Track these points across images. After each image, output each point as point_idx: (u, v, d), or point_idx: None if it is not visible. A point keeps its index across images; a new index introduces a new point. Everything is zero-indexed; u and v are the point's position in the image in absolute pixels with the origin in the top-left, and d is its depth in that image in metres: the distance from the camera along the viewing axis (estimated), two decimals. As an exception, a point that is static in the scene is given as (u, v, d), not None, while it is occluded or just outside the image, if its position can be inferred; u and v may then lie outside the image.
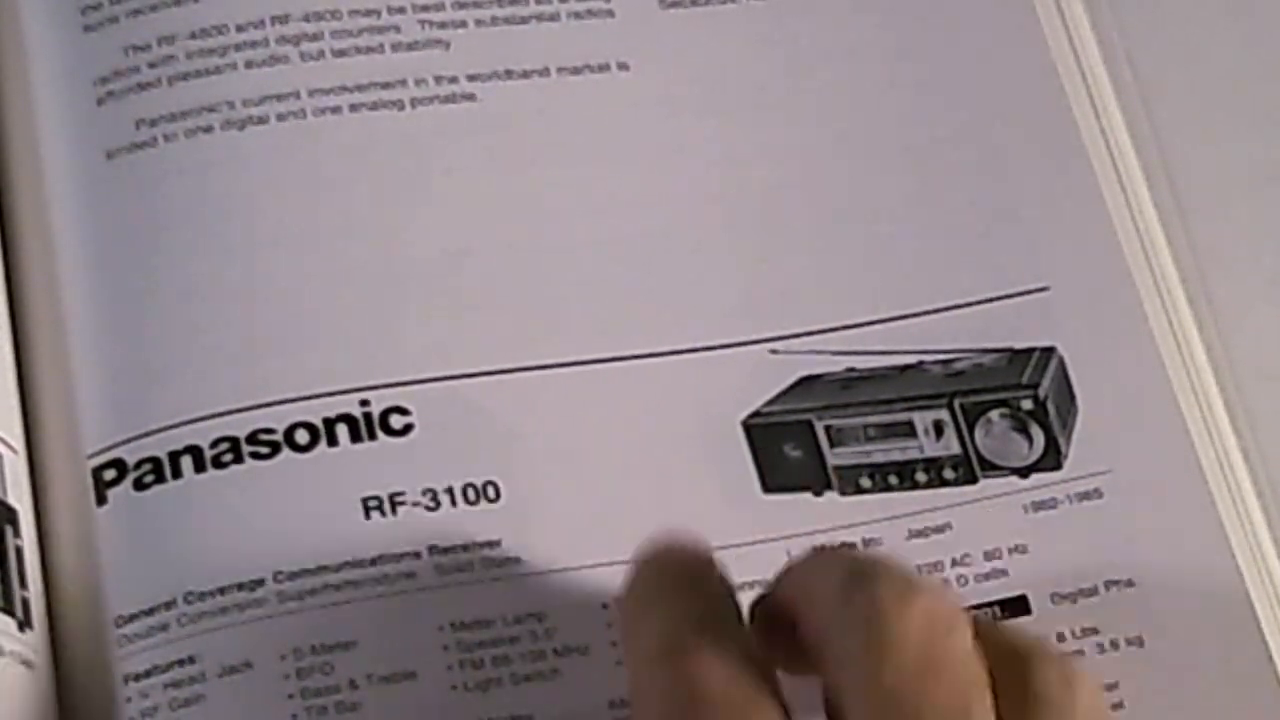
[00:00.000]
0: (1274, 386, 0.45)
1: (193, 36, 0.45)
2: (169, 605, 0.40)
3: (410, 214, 0.44)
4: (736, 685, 0.35)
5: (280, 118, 0.44)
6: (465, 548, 0.41)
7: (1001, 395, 0.43)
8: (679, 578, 0.37)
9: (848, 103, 0.47)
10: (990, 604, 0.42)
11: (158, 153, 0.44)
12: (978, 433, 0.43)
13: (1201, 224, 0.46)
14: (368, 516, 0.41)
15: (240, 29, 0.45)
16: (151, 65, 0.44)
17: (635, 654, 0.37)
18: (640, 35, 0.47)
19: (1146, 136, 0.47)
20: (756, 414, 0.43)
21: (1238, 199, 0.47)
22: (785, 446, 0.43)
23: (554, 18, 0.46)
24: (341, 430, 0.41)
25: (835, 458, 0.43)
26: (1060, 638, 0.41)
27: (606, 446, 0.42)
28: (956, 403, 0.43)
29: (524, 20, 0.46)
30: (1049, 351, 0.44)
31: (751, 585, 0.40)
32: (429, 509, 0.41)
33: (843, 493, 0.43)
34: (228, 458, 0.41)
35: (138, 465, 0.41)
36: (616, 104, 0.46)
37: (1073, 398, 0.44)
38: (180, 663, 0.39)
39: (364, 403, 0.42)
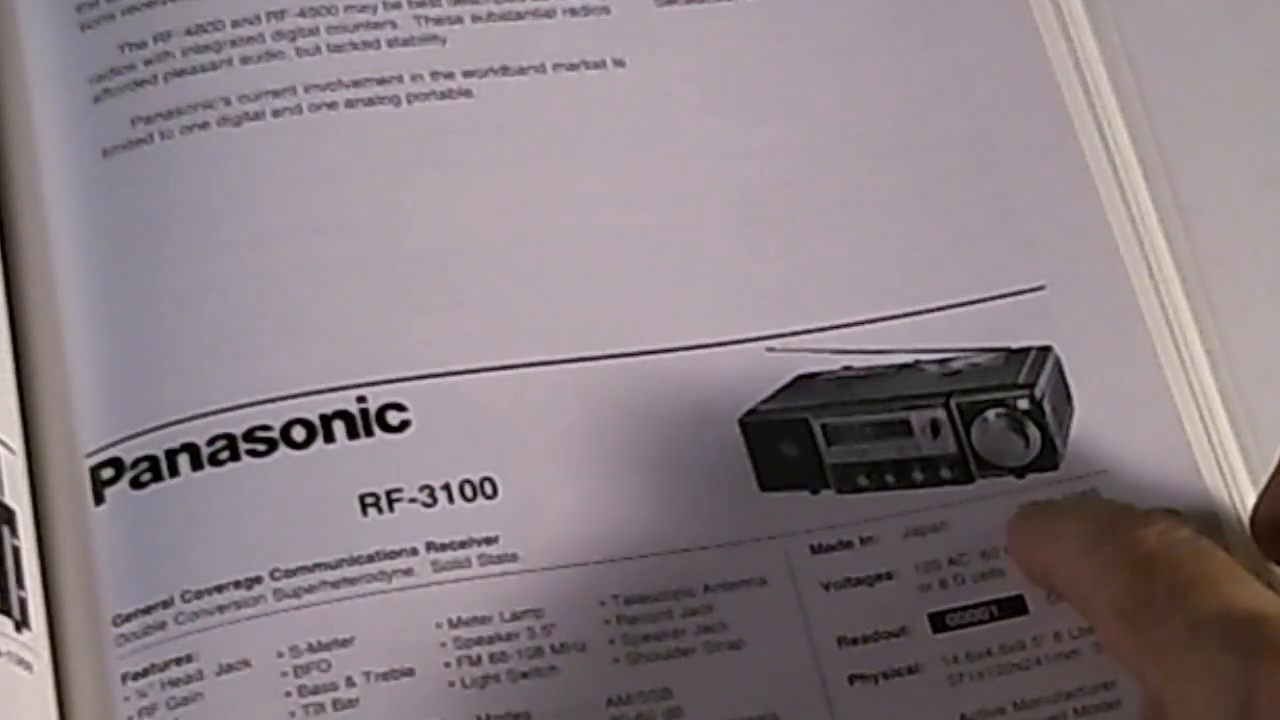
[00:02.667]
0: (1274, 388, 0.45)
1: (188, 33, 0.46)
2: (166, 604, 0.41)
3: (407, 210, 0.45)
4: (1176, 537, 0.37)
5: (276, 114, 0.45)
6: (462, 544, 0.42)
7: (998, 395, 0.43)
8: (1074, 500, 0.42)
9: (844, 101, 0.47)
10: (986, 604, 0.42)
11: (154, 150, 0.45)
12: (974, 432, 0.43)
13: (1201, 224, 0.47)
14: (365, 513, 0.42)
15: (236, 25, 0.46)
16: (147, 62, 0.45)
17: (1061, 558, 0.40)
18: (636, 32, 0.48)
19: (1146, 137, 0.48)
20: (753, 412, 0.44)
21: (1238, 200, 0.47)
22: (782, 445, 0.44)
23: (550, 14, 0.47)
24: (338, 427, 0.42)
25: (832, 456, 0.44)
26: (1057, 638, 0.42)
27: (603, 443, 0.43)
28: (953, 402, 0.43)
29: (520, 17, 0.47)
30: (1045, 351, 0.45)
31: (748, 584, 0.42)
32: (426, 505, 0.42)
33: (839, 491, 0.43)
34: (224, 455, 0.42)
35: (135, 464, 0.42)
36: (613, 101, 0.47)
37: (1069, 397, 0.44)
38: (178, 661, 0.40)
39: (361, 399, 0.43)
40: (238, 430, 0.42)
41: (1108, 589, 0.38)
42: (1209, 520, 0.43)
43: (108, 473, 0.42)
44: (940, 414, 0.44)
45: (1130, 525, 0.39)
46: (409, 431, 0.43)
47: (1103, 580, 0.38)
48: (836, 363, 0.45)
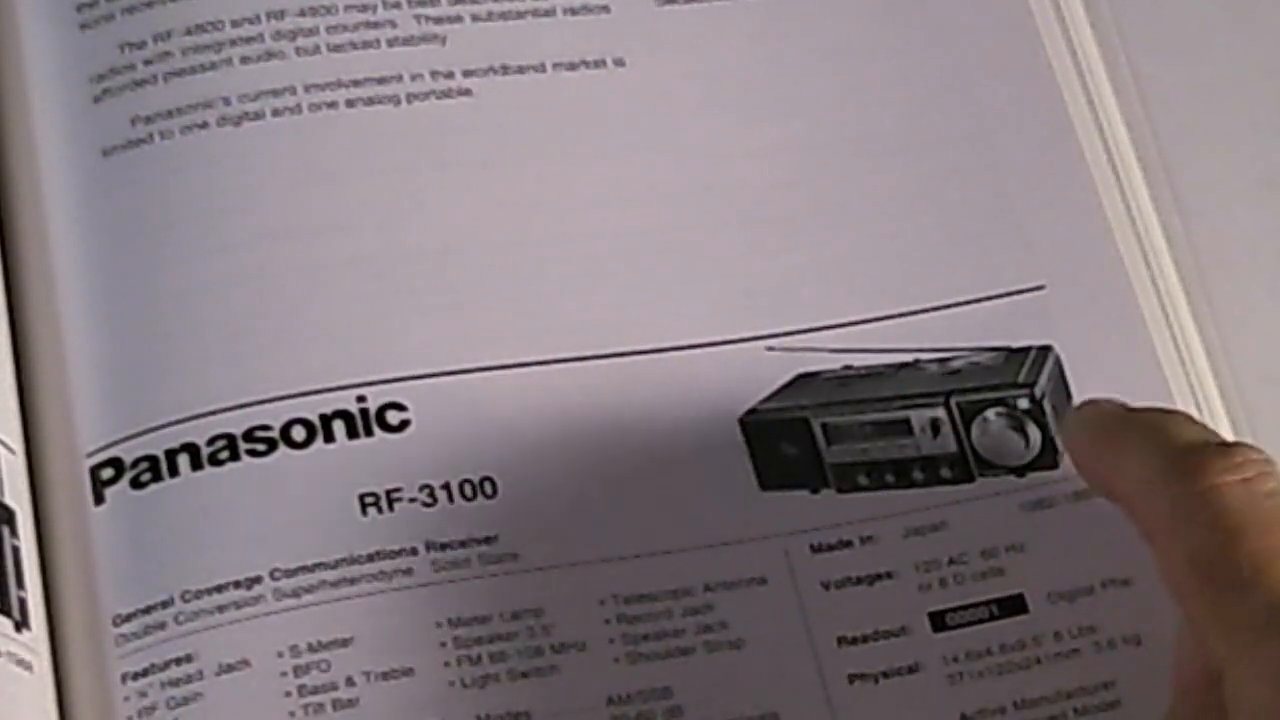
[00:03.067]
0: (1274, 388, 0.45)
1: (188, 33, 0.46)
2: (166, 604, 0.41)
3: (406, 210, 0.45)
4: (1268, 490, 0.36)
5: (276, 113, 0.45)
6: (462, 544, 0.42)
7: (998, 394, 0.44)
8: (1149, 412, 0.39)
9: (844, 100, 0.48)
10: (986, 602, 0.42)
11: (154, 150, 0.45)
12: (974, 431, 0.44)
13: (1201, 224, 0.47)
14: (364, 513, 0.42)
15: (236, 25, 0.46)
16: (147, 62, 0.46)
17: (1132, 479, 0.38)
18: (636, 31, 0.48)
19: (1146, 137, 0.48)
20: (753, 411, 0.44)
21: (1238, 200, 0.48)
22: (782, 444, 0.44)
23: (550, 13, 0.48)
24: (338, 427, 0.43)
25: (832, 455, 0.44)
26: (1057, 636, 0.42)
27: (603, 442, 0.43)
28: (953, 401, 0.44)
29: (520, 16, 0.47)
30: (1045, 350, 0.45)
31: (748, 583, 0.42)
32: (426, 505, 0.42)
33: (839, 490, 0.44)
34: (224, 455, 0.42)
35: (135, 464, 0.42)
36: (613, 100, 0.47)
37: (1069, 396, 0.45)
38: (177, 661, 0.41)
39: (361, 399, 0.43)
40: (237, 430, 0.42)
41: (1183, 536, 0.36)
42: None
43: (108, 473, 0.42)
44: (940, 413, 0.44)
45: (1214, 460, 0.37)
46: (409, 431, 0.43)
47: (1178, 523, 0.36)
48: (837, 362, 0.45)
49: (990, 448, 0.44)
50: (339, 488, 0.42)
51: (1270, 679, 0.34)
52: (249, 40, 0.46)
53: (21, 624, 0.40)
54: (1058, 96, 0.48)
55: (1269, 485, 0.36)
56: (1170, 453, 0.37)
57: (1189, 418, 0.39)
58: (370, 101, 0.46)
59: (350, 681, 0.40)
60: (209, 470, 0.42)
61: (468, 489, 0.42)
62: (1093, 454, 0.40)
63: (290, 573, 0.41)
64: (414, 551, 0.42)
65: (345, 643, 0.41)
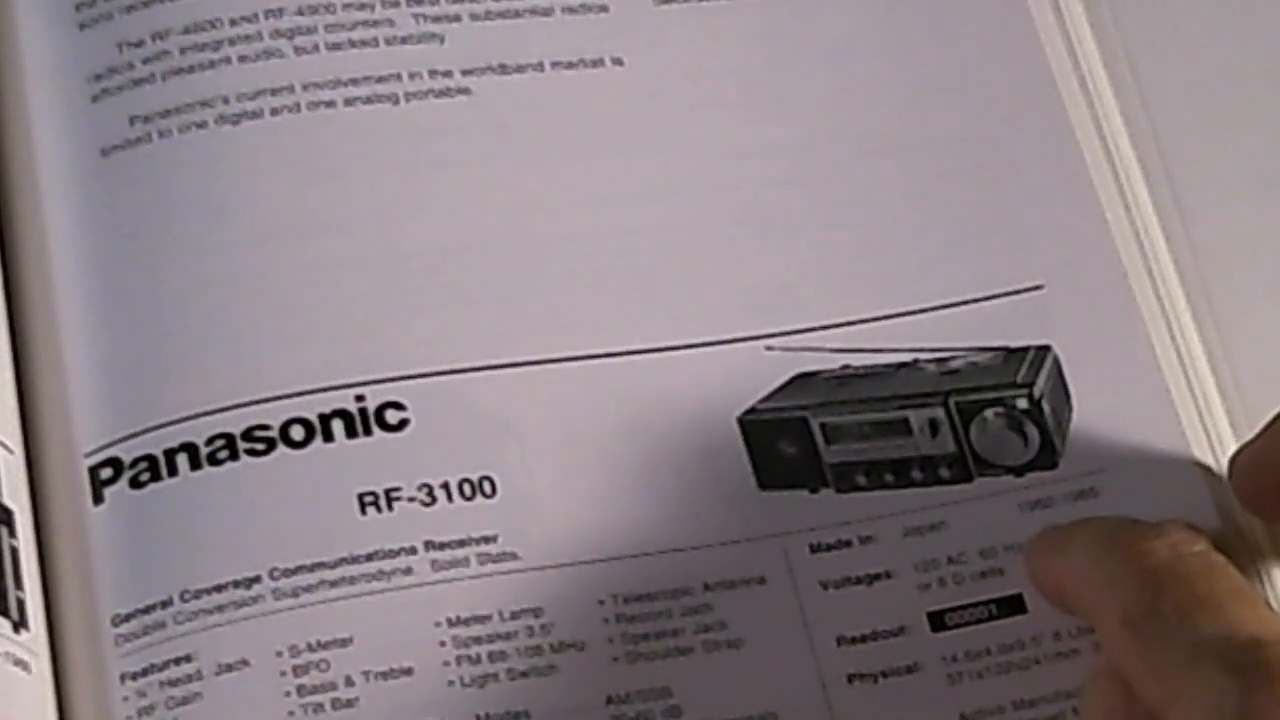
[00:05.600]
0: (1274, 388, 0.45)
1: (186, 32, 0.46)
2: (165, 604, 0.41)
3: (405, 209, 0.45)
4: (1186, 551, 0.38)
5: (274, 112, 0.46)
6: (461, 543, 0.42)
7: (997, 394, 0.44)
8: (1085, 518, 0.42)
9: (842, 100, 0.48)
10: (986, 602, 0.43)
11: (153, 149, 0.45)
12: (973, 431, 0.44)
13: (1201, 224, 0.47)
14: (363, 512, 0.42)
15: (234, 24, 0.46)
16: (145, 61, 0.46)
17: (1073, 569, 0.40)
18: (635, 30, 0.48)
19: (1146, 137, 0.48)
20: (752, 410, 0.44)
21: (1238, 200, 0.48)
22: (781, 443, 0.44)
23: (548, 12, 0.48)
24: (337, 426, 0.43)
25: (830, 455, 0.44)
26: (1056, 637, 0.42)
27: (602, 442, 0.44)
28: (952, 401, 0.44)
29: (518, 15, 0.48)
30: (1044, 350, 0.45)
31: (747, 583, 0.43)
32: (425, 504, 0.42)
33: (838, 490, 0.44)
34: (223, 455, 0.42)
35: (134, 464, 0.43)
36: (611, 99, 0.47)
37: (1068, 396, 0.45)
38: (177, 661, 0.41)
39: (359, 398, 0.43)
40: (236, 430, 0.43)
41: (1116, 598, 0.38)
42: (1221, 531, 0.43)
43: (106, 472, 0.43)
44: (939, 413, 0.44)
45: (1142, 535, 0.39)
46: (408, 430, 0.43)
47: (1112, 589, 0.38)
48: (835, 361, 0.45)
49: (989, 448, 0.44)
50: (338, 487, 0.43)
51: (1200, 706, 0.36)
52: (247, 39, 0.46)
53: (20, 624, 0.41)
54: (1057, 96, 0.48)
55: (1195, 546, 0.39)
56: (1103, 534, 0.40)
57: (1131, 519, 0.41)
58: (369, 100, 0.46)
59: (349, 681, 0.41)
60: (208, 470, 0.42)
61: (467, 488, 0.43)
62: (1043, 566, 0.42)
63: (289, 572, 0.42)
64: (413, 551, 0.42)
65: (344, 642, 0.41)
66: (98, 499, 0.43)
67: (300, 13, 0.47)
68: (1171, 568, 0.38)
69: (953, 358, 0.45)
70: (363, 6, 0.47)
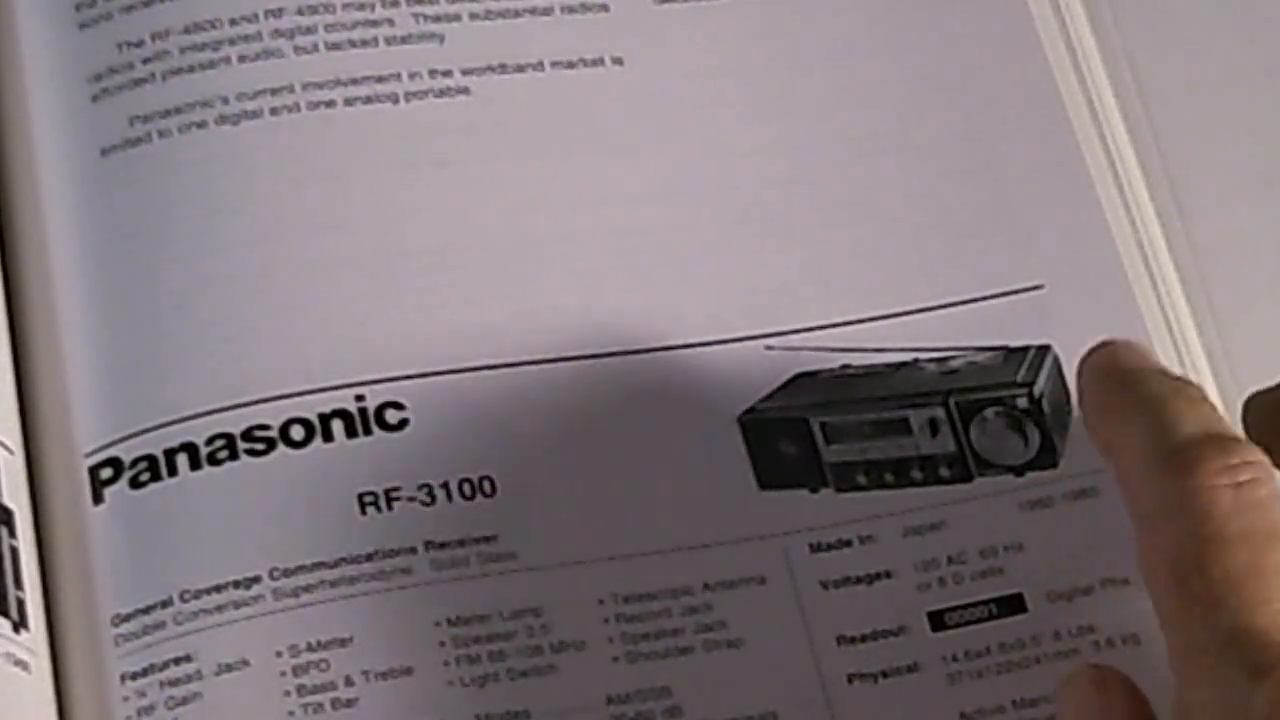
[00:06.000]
0: None
1: (186, 31, 0.46)
2: (165, 604, 0.41)
3: (405, 208, 0.45)
4: (1255, 500, 0.36)
5: (274, 112, 0.46)
6: (461, 543, 0.42)
7: (997, 393, 0.44)
8: (1161, 376, 0.39)
9: (842, 99, 0.48)
10: (985, 602, 0.43)
11: (152, 149, 0.45)
12: (973, 431, 0.44)
13: (1201, 224, 0.47)
14: (363, 512, 0.42)
15: (234, 23, 0.46)
16: (145, 61, 0.46)
17: (1129, 456, 0.38)
18: (634, 30, 0.48)
19: (1146, 137, 0.48)
20: (752, 410, 0.44)
21: (1238, 199, 0.48)
22: (781, 443, 0.44)
23: (548, 12, 0.48)
24: (337, 426, 0.43)
25: (831, 455, 0.44)
26: (1056, 636, 0.42)
27: (601, 441, 0.44)
28: (952, 401, 0.44)
29: (518, 14, 0.48)
30: (1044, 350, 0.45)
31: (747, 583, 0.43)
32: (424, 504, 0.43)
33: (838, 490, 0.44)
34: (223, 455, 0.42)
35: (134, 464, 0.43)
36: (610, 99, 0.47)
37: (1068, 396, 0.45)
38: (176, 661, 0.41)
39: (359, 398, 0.43)
40: (236, 429, 0.43)
41: (1165, 534, 0.37)
42: None
43: (106, 472, 0.43)
44: (939, 412, 0.44)
45: (1208, 459, 0.37)
46: (407, 430, 0.43)
47: (1163, 519, 0.37)
48: (835, 361, 0.45)
49: (989, 447, 0.44)
50: (338, 487, 0.43)
51: (1218, 706, 0.35)
52: (247, 39, 0.46)
53: (20, 624, 0.41)
54: (1056, 96, 0.49)
55: (1259, 493, 0.37)
56: (1167, 441, 0.38)
57: (1198, 398, 0.39)
58: (368, 100, 0.46)
59: (349, 681, 0.41)
60: (208, 470, 0.42)
61: (466, 488, 0.43)
62: (1097, 414, 0.40)
63: (289, 572, 0.42)
64: (413, 551, 0.42)
65: (344, 642, 0.41)
66: (98, 499, 0.43)
67: (300, 13, 0.47)
68: (1230, 521, 0.36)
69: (953, 357, 0.45)
70: (362, 6, 0.47)
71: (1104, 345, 0.41)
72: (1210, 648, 0.35)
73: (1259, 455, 0.37)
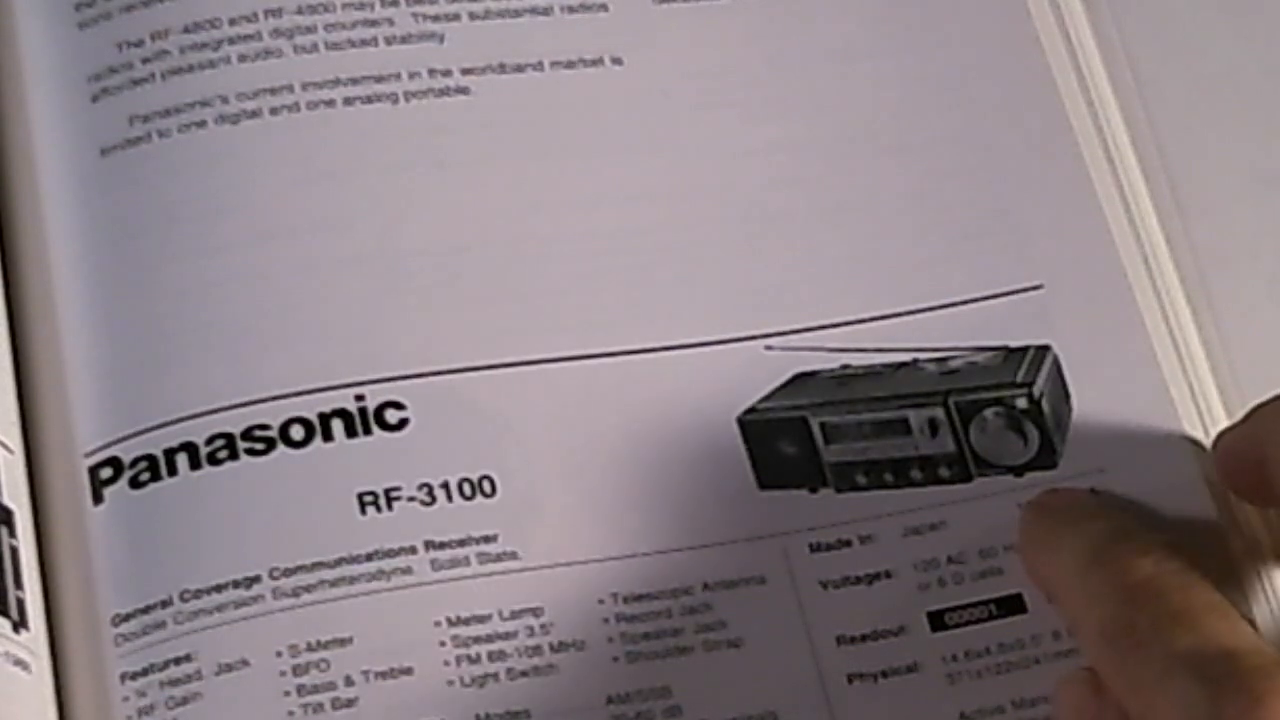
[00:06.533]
0: (1274, 388, 0.44)
1: (186, 31, 0.46)
2: (165, 603, 0.42)
3: (405, 208, 0.45)
4: (1167, 568, 0.39)
5: (274, 111, 0.46)
6: (461, 543, 0.42)
7: (996, 394, 0.44)
8: (1080, 508, 0.42)
9: (841, 99, 0.48)
10: (985, 602, 0.43)
11: (152, 149, 0.45)
12: (973, 431, 0.44)
13: (1201, 224, 0.47)
14: (363, 512, 0.42)
15: (233, 23, 0.46)
16: (145, 61, 0.46)
17: (1059, 574, 0.41)
18: (634, 30, 0.48)
19: (1146, 136, 0.48)
20: (751, 410, 0.44)
21: (1238, 200, 0.48)
22: (780, 443, 0.44)
23: (547, 11, 0.48)
24: (337, 425, 0.43)
25: (830, 455, 0.44)
26: (1056, 636, 0.43)
27: (602, 442, 0.44)
28: (951, 401, 0.44)
29: (518, 14, 0.48)
30: (1044, 350, 0.45)
31: (747, 583, 0.43)
32: (425, 504, 0.43)
33: (838, 490, 0.44)
34: (223, 454, 0.43)
35: (133, 463, 0.43)
36: (610, 99, 0.47)
37: (1067, 396, 0.45)
38: (176, 661, 0.41)
39: (359, 398, 0.43)
40: (236, 429, 0.43)
41: (1096, 613, 0.39)
42: (1219, 527, 0.43)
43: (106, 472, 0.43)
44: (939, 413, 0.44)
45: (1125, 552, 0.40)
46: (407, 430, 0.43)
47: (1093, 603, 0.39)
48: (835, 361, 0.45)
49: (988, 447, 0.44)
50: (338, 487, 0.43)
51: (1173, 717, 0.36)
52: (247, 38, 0.46)
53: (20, 624, 0.41)
54: (1056, 96, 0.49)
55: (1174, 563, 0.39)
56: (1089, 545, 0.40)
57: (1104, 503, 0.42)
58: (368, 100, 0.46)
59: (349, 681, 0.41)
60: (208, 470, 0.43)
61: (466, 488, 0.43)
62: (1033, 557, 0.43)
63: (289, 572, 0.42)
64: (413, 550, 0.42)
65: (344, 642, 0.41)
66: (98, 499, 0.43)
67: (300, 12, 0.47)
68: (1150, 583, 0.39)
69: (952, 357, 0.46)
70: (362, 6, 0.47)
71: (1039, 494, 0.44)
72: (1155, 678, 0.37)
73: (1169, 548, 0.40)
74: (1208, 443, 0.44)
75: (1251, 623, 0.40)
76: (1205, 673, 0.36)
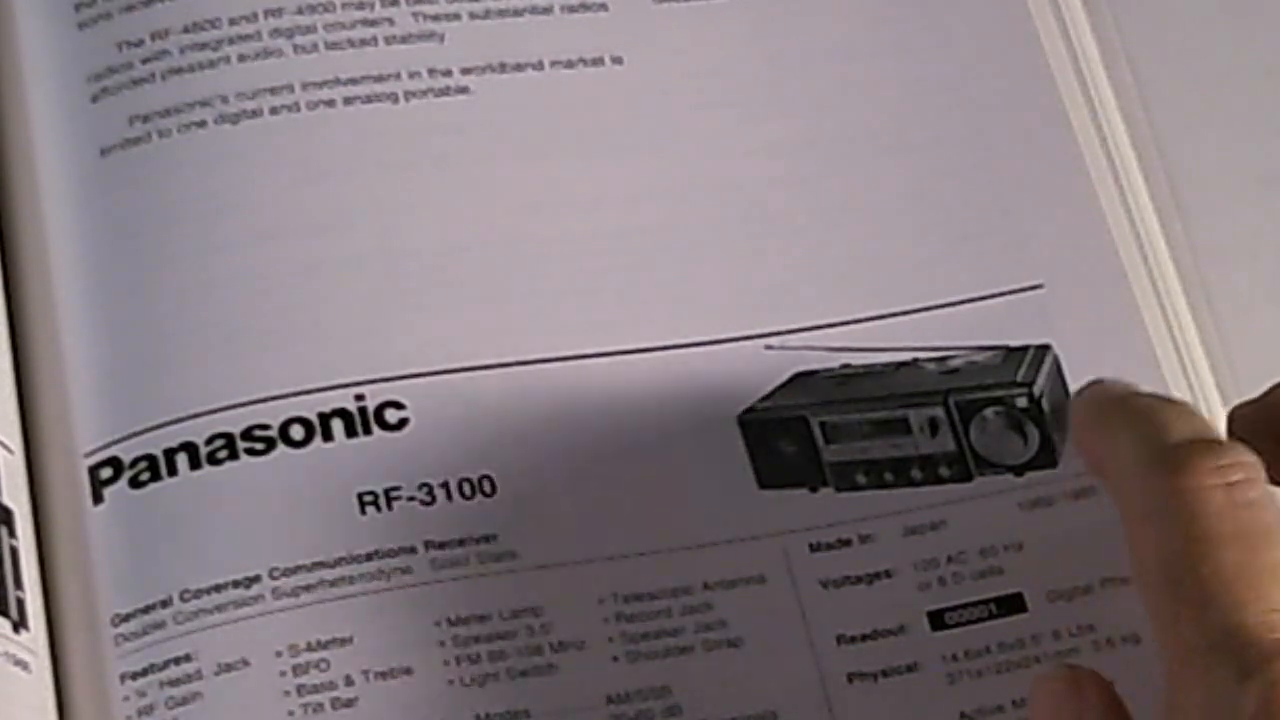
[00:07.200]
0: None
1: (185, 31, 0.47)
2: (165, 603, 0.42)
3: (404, 208, 0.46)
4: (1244, 499, 0.36)
5: (274, 111, 0.46)
6: (461, 542, 0.42)
7: (996, 393, 0.44)
8: (1157, 397, 0.39)
9: (841, 98, 0.48)
10: (985, 601, 0.43)
11: (152, 148, 0.45)
12: (973, 430, 0.44)
13: (1201, 224, 0.48)
14: (363, 512, 0.42)
15: (233, 23, 0.47)
16: (145, 61, 0.46)
17: (1115, 457, 0.38)
18: (634, 29, 0.48)
19: (1146, 136, 0.48)
20: (751, 410, 0.45)
21: (1238, 199, 0.48)
22: (780, 442, 0.44)
23: (547, 11, 0.48)
24: (337, 425, 0.43)
25: (830, 454, 0.44)
26: (1056, 635, 0.43)
27: (601, 441, 0.44)
28: (951, 400, 0.44)
29: (518, 13, 0.48)
30: (1044, 349, 0.46)
31: (747, 582, 0.43)
32: (424, 504, 0.43)
33: (838, 489, 0.44)
34: (223, 454, 0.43)
35: (133, 463, 0.43)
36: (610, 98, 0.48)
37: (1067, 396, 0.45)
38: (176, 661, 0.41)
39: (359, 398, 0.43)
40: (236, 429, 0.43)
41: (1156, 533, 0.37)
42: None
43: (106, 472, 0.43)
44: (939, 412, 0.44)
45: (1200, 459, 0.37)
46: (407, 430, 0.43)
47: (1153, 518, 0.37)
48: (835, 360, 0.46)
49: (989, 447, 0.44)
50: (338, 487, 0.43)
51: (1207, 707, 0.35)
52: (247, 38, 0.47)
53: (20, 624, 0.41)
54: (1056, 96, 0.49)
55: (1251, 493, 0.37)
56: (1158, 443, 0.38)
57: (1188, 410, 0.39)
58: (368, 99, 0.46)
59: (349, 681, 0.41)
60: (208, 469, 0.43)
61: (466, 488, 0.43)
62: (1088, 434, 0.40)
63: (289, 572, 0.42)
64: (413, 550, 0.42)
65: (344, 642, 0.41)
66: (98, 499, 0.43)
67: (300, 12, 0.47)
68: (1222, 521, 0.36)
69: (952, 356, 0.46)
70: (362, 5, 0.47)
71: (1091, 382, 0.41)
72: (1200, 647, 0.35)
73: (1250, 456, 0.37)
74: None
75: None
76: (1247, 665, 0.35)
